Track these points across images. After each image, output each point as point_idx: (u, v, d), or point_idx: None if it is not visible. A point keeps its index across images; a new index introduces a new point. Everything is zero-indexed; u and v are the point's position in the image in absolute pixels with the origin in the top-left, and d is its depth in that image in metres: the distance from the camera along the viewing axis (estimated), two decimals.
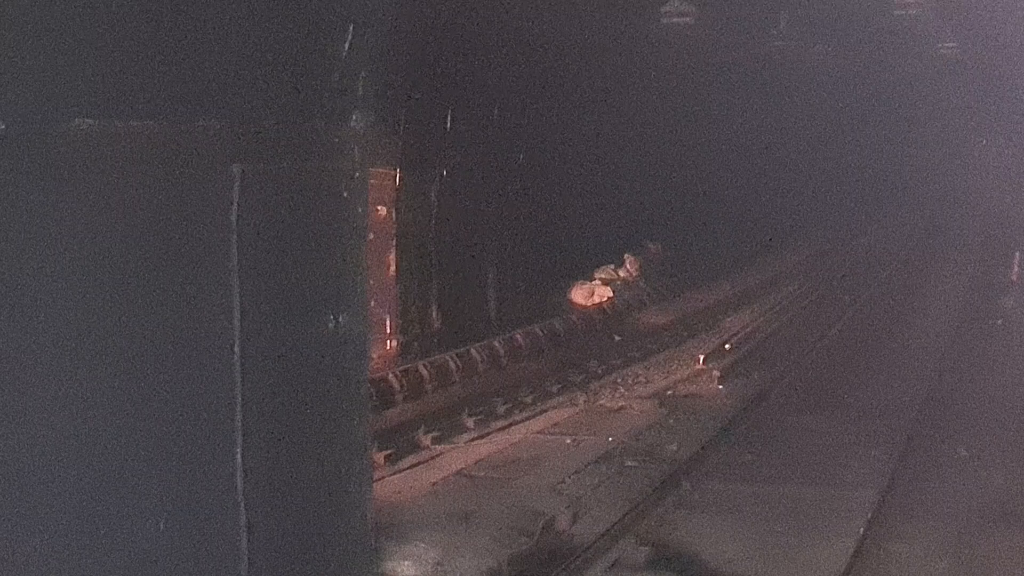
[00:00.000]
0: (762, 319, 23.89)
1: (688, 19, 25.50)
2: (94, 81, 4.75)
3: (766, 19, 31.19)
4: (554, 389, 18.24)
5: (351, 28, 6.10)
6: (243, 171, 5.47)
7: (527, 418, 16.62)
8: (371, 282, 6.85)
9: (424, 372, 17.82)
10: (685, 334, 23.01)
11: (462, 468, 13.98)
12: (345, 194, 6.35)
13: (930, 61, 39.39)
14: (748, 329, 22.69)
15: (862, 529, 11.37)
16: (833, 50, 36.57)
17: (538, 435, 15.61)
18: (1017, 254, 31.17)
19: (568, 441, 15.20)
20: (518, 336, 20.83)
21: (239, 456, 5.46)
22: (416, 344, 20.25)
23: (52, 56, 4.58)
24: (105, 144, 4.79)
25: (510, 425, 16.20)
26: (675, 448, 14.75)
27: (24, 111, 4.51)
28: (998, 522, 11.80)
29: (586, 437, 15.33)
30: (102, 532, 4.90)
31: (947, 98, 44.22)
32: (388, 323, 19.65)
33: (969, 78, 40.66)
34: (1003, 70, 37.05)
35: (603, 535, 11.10)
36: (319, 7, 5.95)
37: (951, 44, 35.72)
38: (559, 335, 21.99)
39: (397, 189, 19.97)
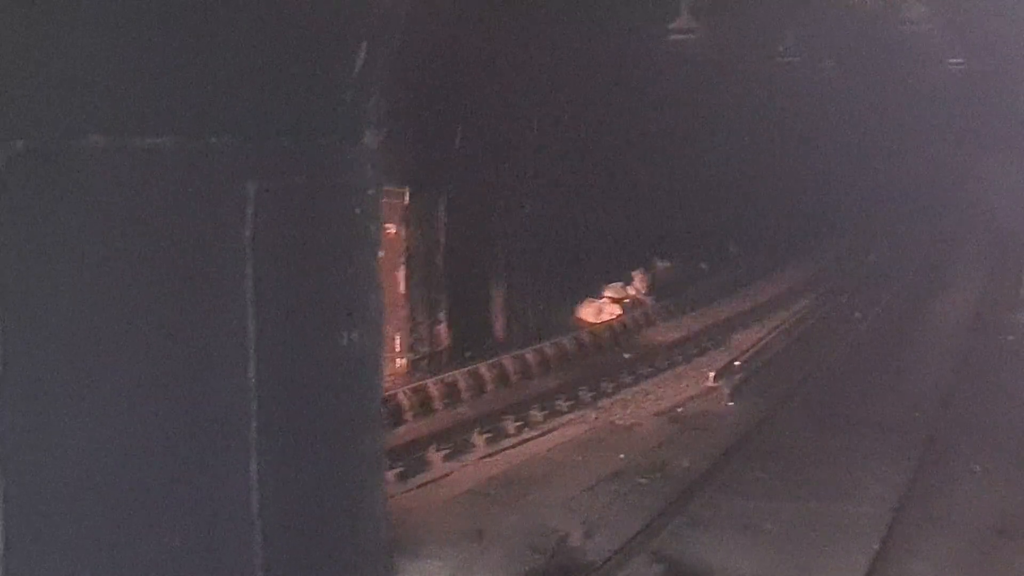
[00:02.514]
0: (772, 336, 23.85)
1: (695, 36, 25.51)
2: (109, 97, 4.75)
3: (773, 35, 31.22)
4: (565, 407, 18.22)
5: (364, 46, 6.09)
6: (257, 188, 5.47)
7: (538, 435, 16.59)
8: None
9: (434, 390, 17.82)
10: (694, 351, 22.98)
11: (474, 486, 13.96)
12: (358, 211, 6.34)
13: (938, 77, 39.41)
14: (758, 346, 22.65)
15: (876, 546, 11.33)
16: (840, 66, 36.59)
17: (549, 452, 15.59)
18: None
19: (580, 458, 15.17)
20: (528, 354, 20.83)
21: (254, 472, 5.45)
22: (425, 362, 20.25)
23: (67, 73, 4.58)
24: (119, 160, 4.78)
25: (521, 443, 16.17)
26: (687, 465, 14.72)
27: (40, 128, 4.51)
28: (1013, 538, 11.76)
29: (598, 454, 15.29)
30: (117, 549, 4.89)
31: (955, 114, 44.20)
32: (398, 341, 19.66)
33: (977, 94, 40.63)
34: (1011, 86, 37.05)
35: (616, 552, 11.08)
36: (333, 25, 5.95)
37: (959, 60, 35.71)
38: (568, 353, 21.98)
39: (407, 207, 20.00)
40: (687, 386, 19.64)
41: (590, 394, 19.04)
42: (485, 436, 16.20)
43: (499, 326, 23.34)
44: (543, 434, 16.68)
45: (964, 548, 11.59)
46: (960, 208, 47.12)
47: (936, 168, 48.56)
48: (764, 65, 33.33)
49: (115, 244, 4.71)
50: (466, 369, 19.04)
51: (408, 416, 16.83)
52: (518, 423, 17.03)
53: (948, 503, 13.00)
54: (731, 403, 18.11)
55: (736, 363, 20.89)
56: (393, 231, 19.69)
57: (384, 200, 18.08)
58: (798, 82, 36.32)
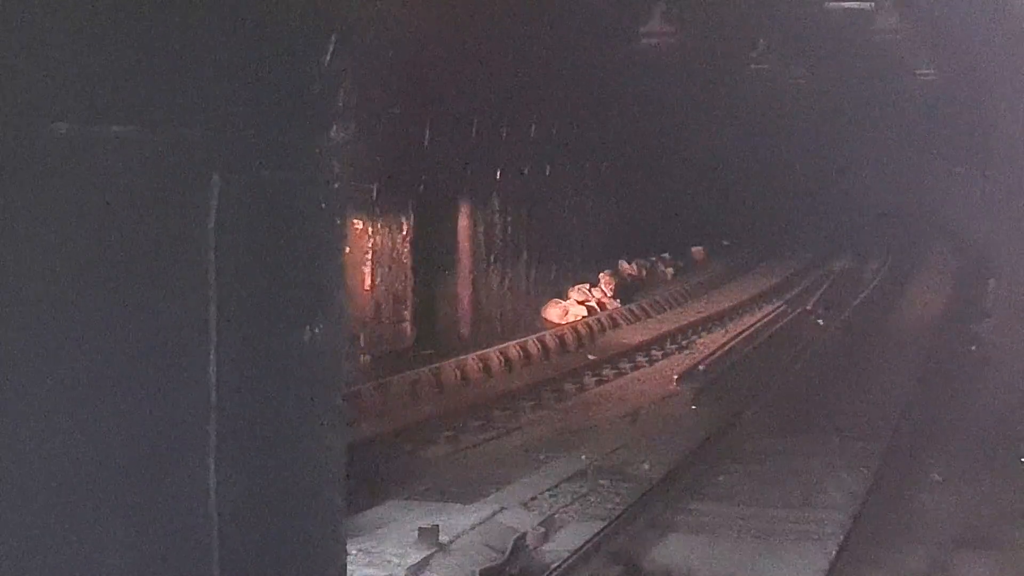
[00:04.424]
0: (736, 340, 23.91)
1: (667, 40, 25.54)
2: (73, 85, 4.71)
3: (745, 42, 31.31)
4: (527, 407, 18.21)
5: (333, 38, 6.07)
6: (222, 180, 5.44)
7: (500, 435, 16.57)
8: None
9: (396, 387, 17.78)
10: (658, 354, 23.02)
11: (433, 484, 13.94)
12: (324, 205, 6.31)
13: (908, 87, 39.62)
14: (722, 350, 22.71)
15: (835, 552, 11.36)
16: (812, 73, 36.72)
17: (511, 452, 15.57)
18: (991, 281, 31.30)
19: (541, 458, 15.16)
20: (492, 354, 20.82)
21: (212, 466, 5.41)
22: (389, 359, 20.21)
23: (30, 60, 4.54)
24: (83, 149, 4.74)
25: (483, 442, 16.15)
26: (648, 467, 14.73)
27: (2, 115, 4.47)
28: (970, 546, 11.82)
29: (559, 455, 15.29)
30: (70, 543, 4.85)
31: (925, 125, 44.43)
32: (362, 337, 19.62)
33: (947, 106, 40.86)
34: (979, 101, 37.26)
35: (575, 553, 11.07)
36: (302, 17, 5.92)
37: (929, 71, 35.89)
38: (533, 353, 21.99)
39: (374, 203, 19.96)
40: (650, 389, 19.66)
41: (553, 395, 19.05)
42: (446, 435, 16.17)
43: (464, 325, 23.32)
44: (505, 434, 16.66)
45: (922, 556, 11.64)
46: (926, 218, 47.40)
47: (904, 178, 48.83)
48: (736, 71, 33.42)
49: (76, 233, 4.67)
50: (429, 367, 19.02)
51: (370, 413, 16.78)
52: (480, 422, 17.01)
53: (907, 511, 13.05)
54: (694, 407, 18.14)
55: (699, 367, 20.93)
56: (360, 227, 19.65)
57: (352, 195, 18.08)
58: (769, 89, 36.42)
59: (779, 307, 28.96)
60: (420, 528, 11.57)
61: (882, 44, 30.73)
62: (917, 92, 40.01)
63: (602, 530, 11.79)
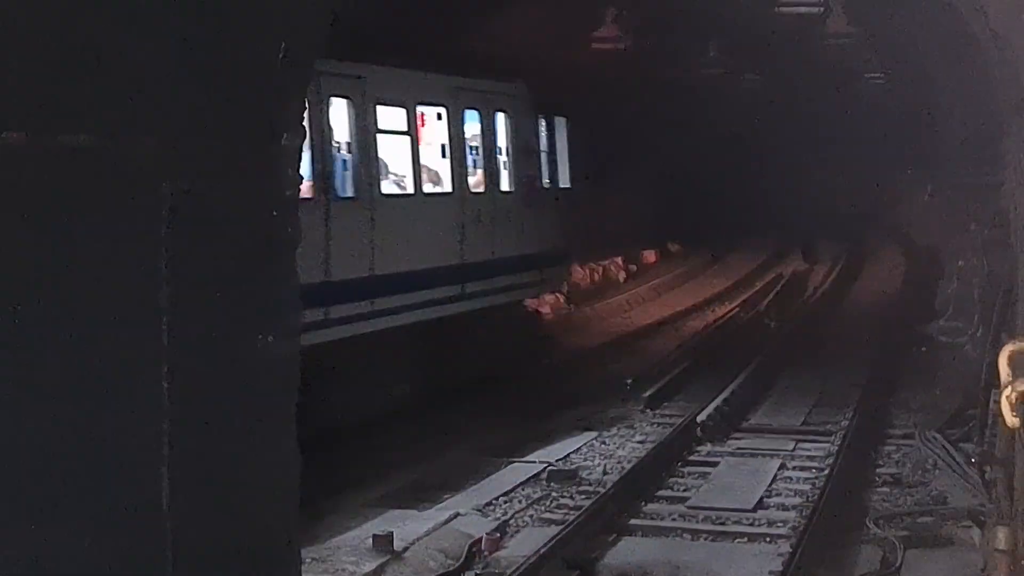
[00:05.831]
0: (690, 343, 23.99)
1: (620, 45, 25.61)
2: (25, 94, 4.70)
3: (697, 46, 31.45)
4: (483, 411, 18.18)
5: (283, 48, 6.08)
6: (173, 187, 5.43)
7: (456, 439, 16.54)
8: None
9: None
10: (612, 358, 23.05)
11: (388, 491, 13.91)
12: (275, 213, 6.32)
13: (859, 91, 39.93)
14: (676, 353, 22.76)
15: (788, 552, 11.44)
16: (763, 78, 36.96)
17: (467, 457, 15.56)
18: (941, 283, 31.52)
19: (498, 462, 15.17)
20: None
21: (165, 473, 5.40)
22: None
23: None
24: (35, 158, 4.73)
25: (440, 446, 16.12)
26: (602, 471, 14.78)
27: None
28: (919, 546, 11.91)
29: (514, 459, 15.30)
30: (25, 548, 4.83)
31: (875, 128, 44.79)
32: None
33: (895, 109, 41.22)
34: (927, 104, 37.52)
35: (531, 558, 11.09)
36: (252, 27, 5.93)
37: (878, 75, 36.17)
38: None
39: None
40: (604, 393, 19.68)
41: (507, 399, 19.02)
42: (404, 437, 16.12)
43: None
44: (461, 437, 16.63)
45: (873, 556, 11.74)
46: (877, 220, 47.69)
47: (855, 181, 49.17)
48: (687, 75, 33.56)
49: (27, 241, 4.66)
50: None
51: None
52: (435, 426, 16.97)
53: (859, 510, 13.15)
54: (648, 410, 18.17)
55: (653, 371, 20.97)
56: None
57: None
58: (721, 93, 36.60)
59: (732, 310, 29.07)
60: (374, 535, 11.56)
61: (833, 48, 30.96)
62: (867, 96, 40.33)
63: (557, 535, 11.82)
